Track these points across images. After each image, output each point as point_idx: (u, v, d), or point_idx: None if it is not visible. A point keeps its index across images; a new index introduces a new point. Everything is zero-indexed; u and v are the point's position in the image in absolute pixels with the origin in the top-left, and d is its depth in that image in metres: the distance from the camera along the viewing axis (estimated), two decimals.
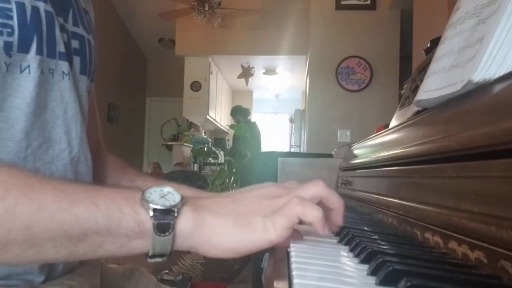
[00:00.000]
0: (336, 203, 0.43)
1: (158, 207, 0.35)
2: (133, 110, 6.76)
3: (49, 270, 0.52)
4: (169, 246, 0.35)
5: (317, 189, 0.42)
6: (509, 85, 0.35)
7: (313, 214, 0.38)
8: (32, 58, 0.46)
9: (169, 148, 6.07)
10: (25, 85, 0.46)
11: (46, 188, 0.34)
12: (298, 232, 0.47)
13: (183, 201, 0.37)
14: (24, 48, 0.45)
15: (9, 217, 0.32)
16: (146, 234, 0.35)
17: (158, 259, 0.36)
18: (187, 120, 6.18)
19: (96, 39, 0.62)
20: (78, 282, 0.54)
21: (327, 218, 0.43)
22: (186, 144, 5.61)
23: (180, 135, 5.98)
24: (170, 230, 0.35)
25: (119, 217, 0.35)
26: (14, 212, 0.32)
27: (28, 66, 0.46)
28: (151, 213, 0.35)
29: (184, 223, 0.36)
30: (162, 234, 0.35)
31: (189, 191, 0.58)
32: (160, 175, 3.95)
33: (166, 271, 1.70)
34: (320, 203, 0.42)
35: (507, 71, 0.38)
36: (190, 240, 0.36)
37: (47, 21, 0.47)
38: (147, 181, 0.65)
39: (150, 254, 0.36)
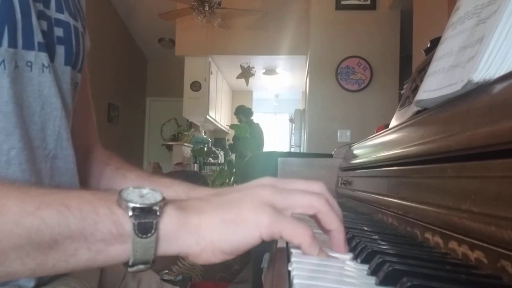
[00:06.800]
0: (335, 224, 0.38)
1: (137, 205, 0.31)
2: (133, 110, 6.76)
3: None
4: (152, 250, 0.31)
5: (315, 200, 0.37)
6: (509, 85, 0.35)
7: (303, 237, 0.35)
8: (5, 51, 0.41)
9: (169, 148, 6.07)
10: (1, 82, 0.41)
11: (9, 190, 0.30)
12: None
13: (165, 200, 0.33)
14: None
15: None
16: (125, 237, 0.31)
17: (141, 266, 0.32)
18: (187, 120, 6.18)
19: (85, 26, 0.56)
20: None
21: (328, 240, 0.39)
22: (186, 144, 5.61)
23: (180, 135, 5.98)
24: (153, 230, 0.31)
25: (94, 218, 0.30)
26: None
27: (3, 60, 0.41)
28: (130, 213, 0.31)
29: (168, 222, 0.32)
30: (144, 236, 0.31)
31: (182, 187, 0.54)
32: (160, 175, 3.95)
33: (166, 271, 1.70)
34: (315, 217, 0.39)
35: (507, 71, 0.38)
36: (177, 242, 0.32)
37: (21, 9, 0.42)
38: (141, 177, 0.58)
39: (131, 261, 0.31)
